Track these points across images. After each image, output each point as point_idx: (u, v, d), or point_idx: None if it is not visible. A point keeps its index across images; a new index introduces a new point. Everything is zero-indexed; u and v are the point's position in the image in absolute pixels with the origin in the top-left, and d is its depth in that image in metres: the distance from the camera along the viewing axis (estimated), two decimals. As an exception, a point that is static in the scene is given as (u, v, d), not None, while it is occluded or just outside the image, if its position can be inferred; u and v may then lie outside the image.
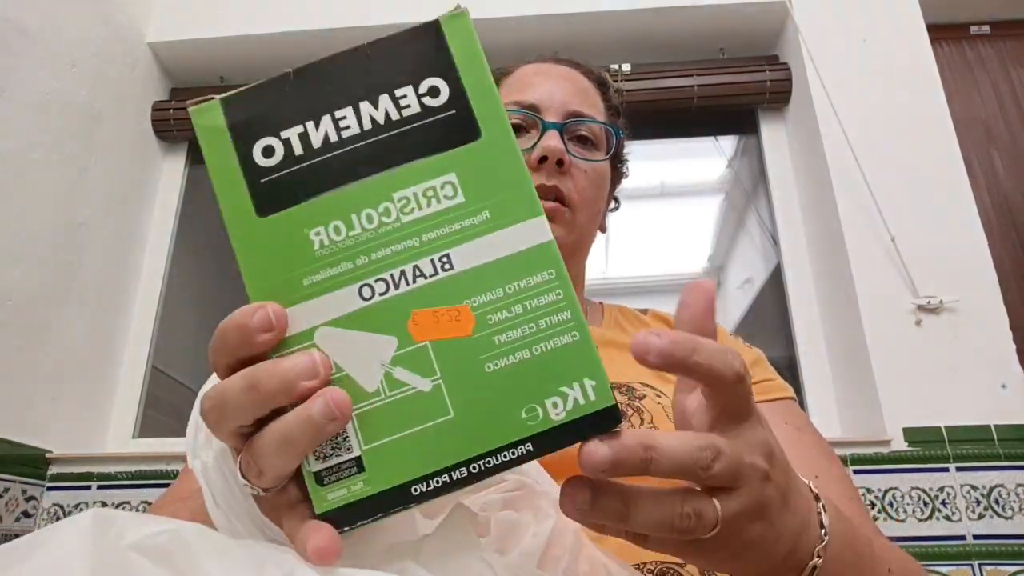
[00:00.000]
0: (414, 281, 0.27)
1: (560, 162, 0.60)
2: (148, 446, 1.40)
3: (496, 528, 0.33)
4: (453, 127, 0.28)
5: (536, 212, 0.28)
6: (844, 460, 1.19)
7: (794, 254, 1.50)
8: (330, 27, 1.62)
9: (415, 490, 0.26)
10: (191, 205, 1.69)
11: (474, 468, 0.26)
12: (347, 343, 0.27)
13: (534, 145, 0.60)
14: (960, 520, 1.16)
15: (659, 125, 1.64)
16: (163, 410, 1.53)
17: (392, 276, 0.27)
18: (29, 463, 1.26)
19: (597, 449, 0.25)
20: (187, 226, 1.67)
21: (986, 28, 1.64)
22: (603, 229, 0.71)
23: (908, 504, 1.18)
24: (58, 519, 1.28)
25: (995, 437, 1.19)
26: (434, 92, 0.28)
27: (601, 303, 0.72)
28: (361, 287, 0.27)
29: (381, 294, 0.27)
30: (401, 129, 0.28)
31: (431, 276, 0.27)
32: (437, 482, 0.26)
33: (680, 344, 0.26)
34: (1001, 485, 1.18)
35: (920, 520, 1.16)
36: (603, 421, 0.26)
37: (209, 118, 0.28)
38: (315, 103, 0.28)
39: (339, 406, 0.25)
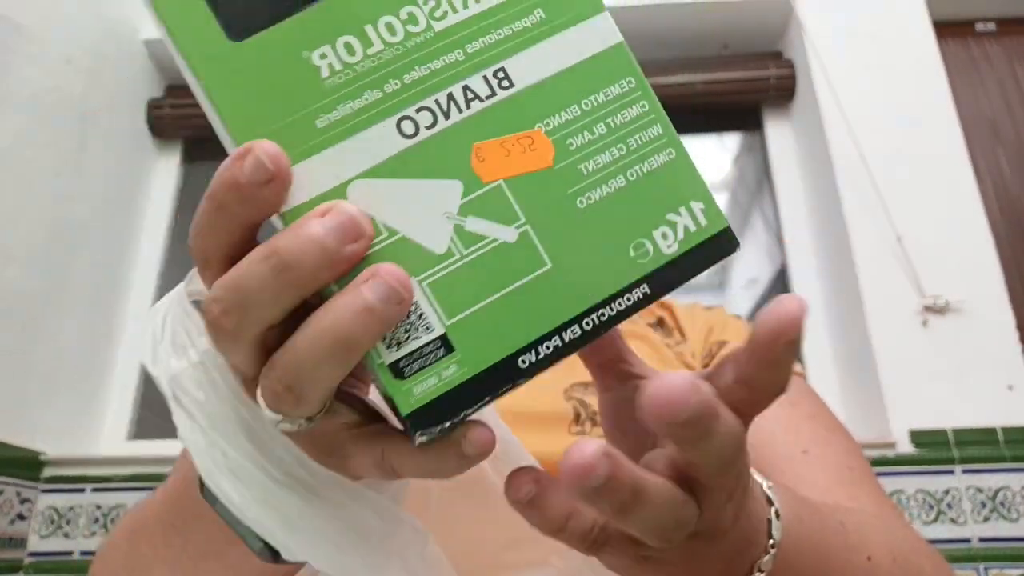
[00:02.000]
0: (468, 107, 0.21)
1: None
2: (143, 448, 1.39)
3: None
4: None
5: (599, 7, 0.23)
6: (850, 463, 1.18)
7: (799, 253, 1.49)
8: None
9: (523, 361, 0.21)
10: (186, 203, 1.68)
11: (587, 324, 0.21)
12: (395, 197, 0.20)
13: None
14: (966, 523, 1.16)
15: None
16: (158, 412, 1.51)
17: (438, 102, 0.21)
18: (23, 465, 1.25)
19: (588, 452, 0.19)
20: (182, 225, 1.66)
21: (992, 25, 1.63)
22: None
23: (913, 507, 1.17)
24: (52, 522, 1.27)
25: (1001, 439, 1.19)
26: None
27: None
28: (400, 121, 0.20)
29: (428, 127, 0.21)
30: None
31: (487, 98, 0.21)
32: (547, 347, 0.21)
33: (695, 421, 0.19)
34: (1007, 487, 1.17)
35: (925, 523, 1.16)
36: (722, 246, 0.22)
37: None
38: None
39: (398, 281, 0.19)
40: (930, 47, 1.45)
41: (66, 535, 1.26)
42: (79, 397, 1.38)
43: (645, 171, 0.22)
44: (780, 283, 1.52)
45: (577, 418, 0.47)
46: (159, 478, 1.27)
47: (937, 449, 1.19)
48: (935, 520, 1.16)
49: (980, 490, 1.17)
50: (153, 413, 1.50)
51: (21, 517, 1.24)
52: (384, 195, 0.20)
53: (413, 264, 0.20)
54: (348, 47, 0.20)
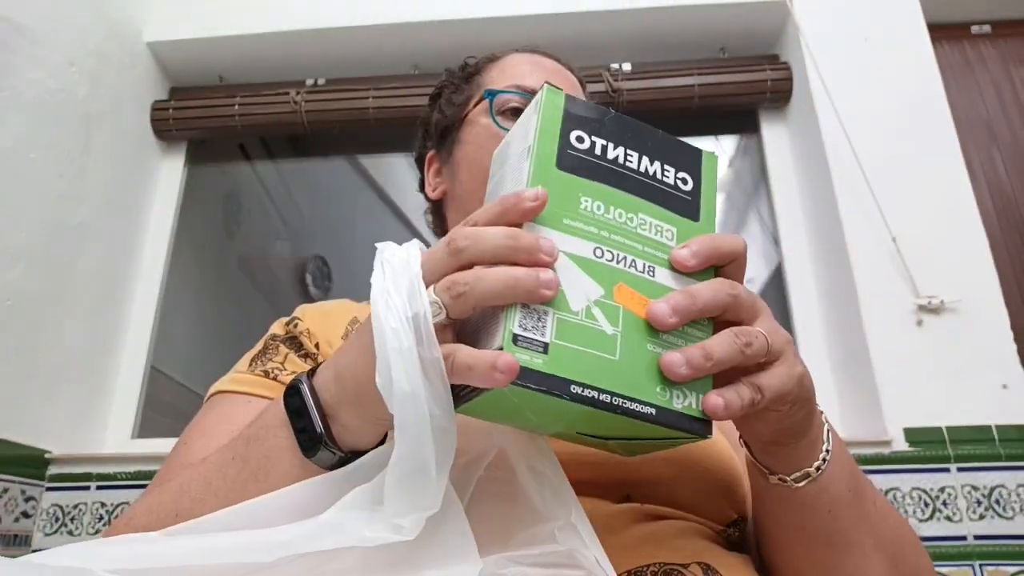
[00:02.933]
0: (628, 268, 0.38)
1: None
2: (147, 446, 1.40)
3: None
4: (686, 205, 0.43)
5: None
6: (845, 461, 1.19)
7: (795, 254, 1.50)
8: (328, 26, 1.61)
9: (573, 388, 0.34)
10: (190, 205, 1.69)
11: (615, 401, 0.35)
12: (572, 271, 0.37)
13: None
14: (961, 520, 1.16)
15: (659, 125, 1.61)
16: (162, 410, 1.52)
17: (616, 254, 0.39)
18: (28, 463, 1.26)
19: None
20: (186, 226, 1.67)
21: (987, 27, 1.64)
22: None
23: (909, 504, 1.18)
24: (57, 520, 1.28)
25: (996, 437, 1.20)
26: (684, 181, 0.43)
27: None
28: (596, 247, 0.38)
29: (607, 260, 0.38)
30: (658, 184, 0.42)
31: (638, 272, 0.39)
32: (589, 393, 0.35)
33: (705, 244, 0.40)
34: (1002, 485, 1.18)
35: (921, 520, 1.16)
36: (700, 427, 0.37)
37: (555, 98, 0.41)
38: (619, 136, 0.42)
39: (552, 285, 0.34)
40: (925, 49, 1.46)
41: (70, 533, 1.27)
42: (83, 396, 1.39)
43: None
44: (776, 284, 1.53)
45: None
46: (162, 476, 1.28)
47: (932, 447, 1.20)
48: (931, 518, 1.17)
49: (975, 488, 1.18)
50: (157, 412, 1.51)
51: (26, 515, 1.26)
52: (568, 267, 0.37)
53: (560, 304, 0.36)
54: (598, 206, 0.39)
